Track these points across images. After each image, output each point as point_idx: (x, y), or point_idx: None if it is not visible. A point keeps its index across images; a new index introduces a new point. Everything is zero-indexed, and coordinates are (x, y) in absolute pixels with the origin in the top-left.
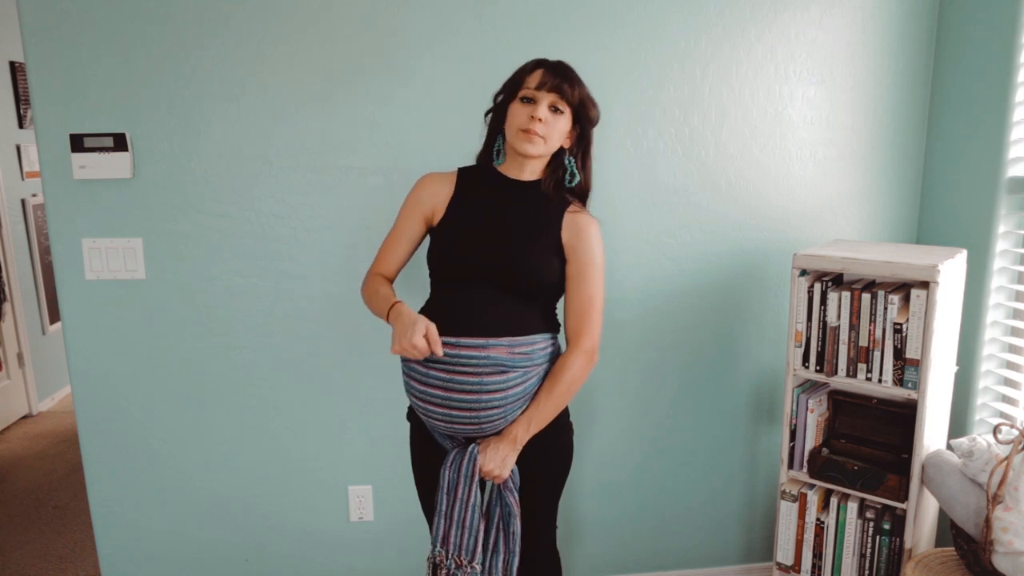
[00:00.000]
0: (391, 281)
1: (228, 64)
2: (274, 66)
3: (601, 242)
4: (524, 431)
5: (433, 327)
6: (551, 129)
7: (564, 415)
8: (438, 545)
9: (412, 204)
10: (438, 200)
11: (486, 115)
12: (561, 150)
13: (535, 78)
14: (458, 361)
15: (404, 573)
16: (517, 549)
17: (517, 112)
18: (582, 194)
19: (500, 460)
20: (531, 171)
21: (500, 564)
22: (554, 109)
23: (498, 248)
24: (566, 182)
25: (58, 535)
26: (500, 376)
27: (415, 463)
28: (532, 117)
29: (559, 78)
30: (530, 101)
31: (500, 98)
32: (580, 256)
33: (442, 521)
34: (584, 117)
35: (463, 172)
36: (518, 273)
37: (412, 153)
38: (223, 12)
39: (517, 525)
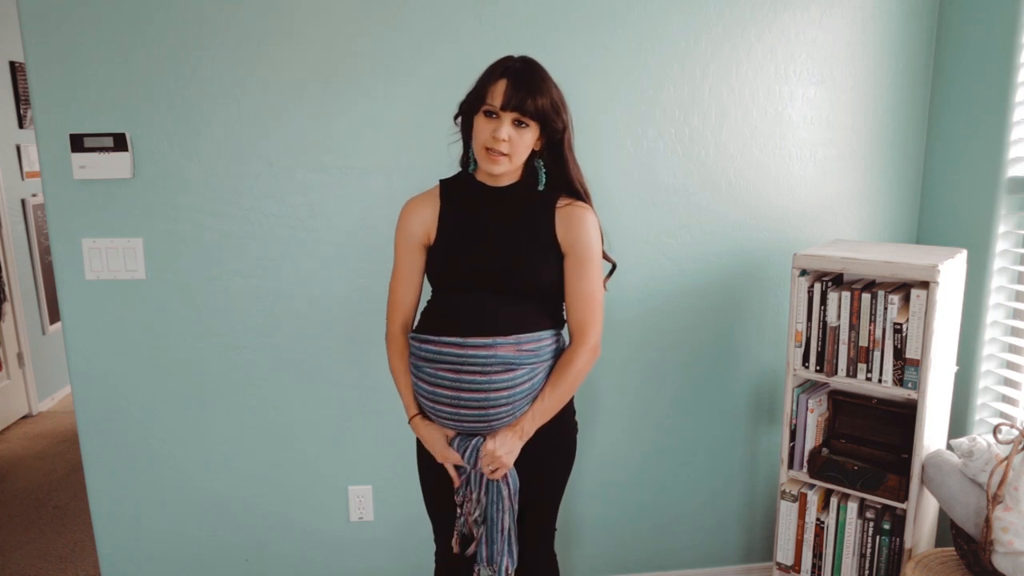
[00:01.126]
0: (411, 326)
1: (228, 64)
2: (274, 66)
3: (598, 231)
4: (530, 425)
5: (449, 458)
6: (516, 145)
7: (570, 413)
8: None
9: (404, 239)
10: (427, 223)
11: (455, 119)
12: (533, 152)
13: (498, 92)
14: (465, 360)
15: (404, 573)
16: (514, 549)
17: (481, 127)
18: (570, 188)
19: (508, 450)
20: (508, 177)
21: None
22: (518, 123)
23: (496, 261)
24: (538, 185)
25: (58, 535)
26: (508, 374)
27: (421, 464)
28: (495, 137)
29: (523, 91)
30: (493, 115)
31: (465, 107)
32: (577, 250)
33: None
34: (550, 127)
35: (445, 185)
36: (520, 281)
37: (412, 153)
38: (223, 12)
39: (510, 520)
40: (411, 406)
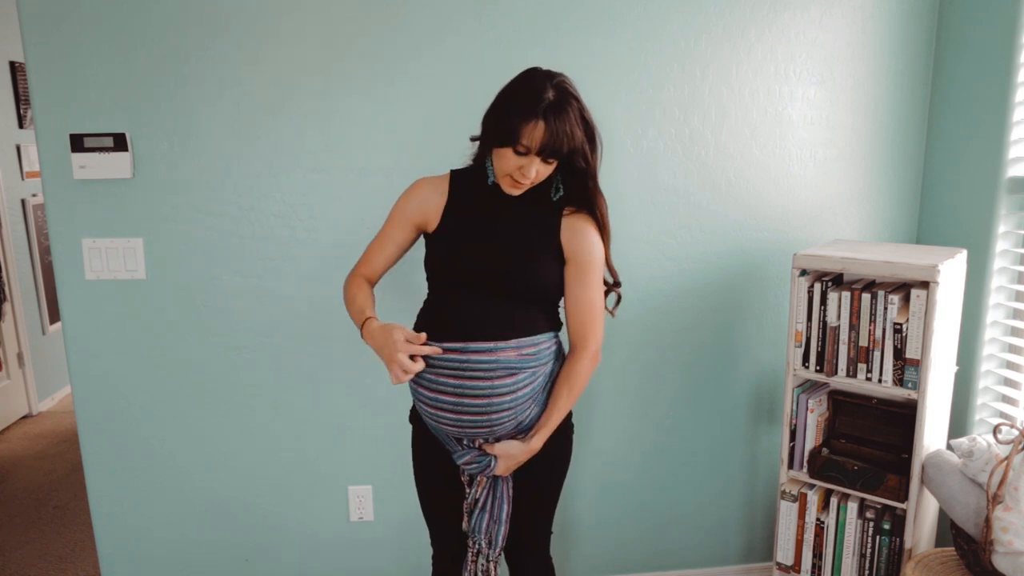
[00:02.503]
0: (373, 283)
1: (228, 64)
2: (274, 66)
3: (600, 242)
4: (539, 442)
5: (407, 331)
6: (540, 176)
7: (567, 414)
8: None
9: (402, 210)
10: (430, 208)
11: (472, 140)
12: None
13: (535, 136)
14: (468, 366)
15: (404, 573)
16: (505, 527)
17: (508, 159)
18: (588, 207)
19: (514, 465)
20: None
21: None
22: (546, 160)
23: (499, 260)
24: (551, 195)
25: (58, 535)
26: (510, 379)
27: (417, 465)
28: (523, 174)
29: (560, 137)
30: (524, 154)
31: (492, 138)
32: (580, 259)
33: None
34: (572, 164)
35: (456, 177)
36: (521, 283)
37: (412, 153)
38: (223, 12)
39: (508, 508)
40: (365, 311)
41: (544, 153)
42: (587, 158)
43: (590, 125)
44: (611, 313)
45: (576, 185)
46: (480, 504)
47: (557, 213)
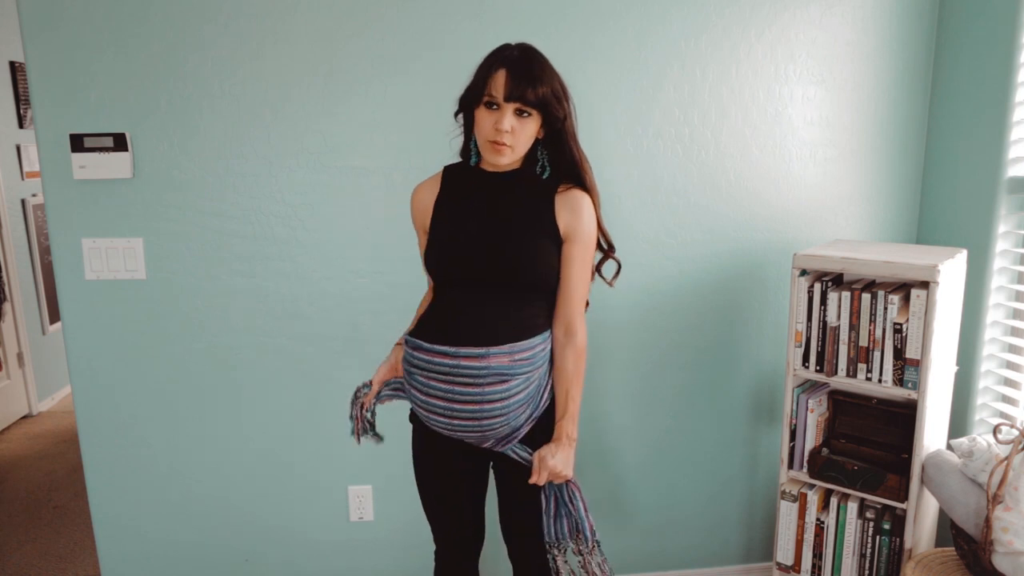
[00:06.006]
0: None
1: (228, 64)
2: (274, 66)
3: (595, 214)
4: (573, 428)
5: (377, 376)
6: (519, 135)
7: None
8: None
9: (416, 225)
10: (428, 208)
11: (456, 115)
12: (537, 140)
13: (498, 83)
14: (458, 371)
15: (404, 573)
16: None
17: (483, 120)
18: (575, 178)
19: (564, 461)
20: (509, 164)
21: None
22: (520, 112)
23: (494, 245)
24: (539, 173)
25: (58, 535)
26: (501, 385)
27: (417, 463)
28: (497, 129)
29: (524, 80)
30: (495, 107)
31: (465, 100)
32: (580, 235)
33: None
34: (551, 116)
35: (449, 171)
36: (519, 268)
37: (412, 152)
38: (223, 12)
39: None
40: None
41: (512, 97)
42: (563, 105)
43: (559, 80)
44: (610, 284)
45: (559, 153)
46: (552, 513)
47: (550, 193)
